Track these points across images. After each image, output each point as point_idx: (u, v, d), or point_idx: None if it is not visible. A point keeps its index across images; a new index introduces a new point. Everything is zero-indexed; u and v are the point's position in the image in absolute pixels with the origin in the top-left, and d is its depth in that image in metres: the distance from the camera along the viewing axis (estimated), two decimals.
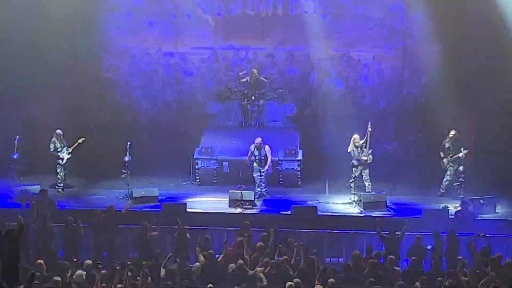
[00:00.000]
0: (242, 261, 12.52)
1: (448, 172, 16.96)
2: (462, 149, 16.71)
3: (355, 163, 16.68)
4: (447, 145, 16.98)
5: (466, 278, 12.08)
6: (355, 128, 18.72)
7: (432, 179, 17.44)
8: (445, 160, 16.96)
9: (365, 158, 16.65)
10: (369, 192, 16.60)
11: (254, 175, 16.88)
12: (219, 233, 14.61)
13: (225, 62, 20.79)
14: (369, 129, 16.58)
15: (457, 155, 16.77)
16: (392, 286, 11.84)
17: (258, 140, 16.76)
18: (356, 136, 16.74)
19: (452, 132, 16.98)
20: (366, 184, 16.80)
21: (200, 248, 13.22)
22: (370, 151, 16.67)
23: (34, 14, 18.78)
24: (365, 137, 16.65)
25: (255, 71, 19.09)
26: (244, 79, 19.12)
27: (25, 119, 19.09)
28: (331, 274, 12.13)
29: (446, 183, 17.03)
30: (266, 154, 16.75)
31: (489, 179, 17.22)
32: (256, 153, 16.76)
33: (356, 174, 16.74)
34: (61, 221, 14.35)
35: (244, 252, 12.94)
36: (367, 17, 19.95)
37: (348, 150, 16.67)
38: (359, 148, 16.68)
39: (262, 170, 16.76)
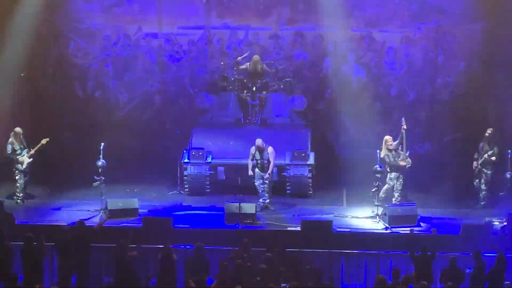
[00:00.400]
0: (240, 287, 12.64)
1: (483, 180, 17.11)
2: (495, 148, 16.90)
3: (378, 169, 16.73)
4: (481, 144, 17.14)
5: None
6: (379, 125, 18.84)
7: (472, 187, 17.51)
8: (474, 162, 17.15)
9: (403, 163, 16.73)
10: (396, 203, 16.71)
11: (256, 183, 17.00)
12: (213, 254, 14.66)
13: (219, 45, 20.87)
14: (404, 127, 16.64)
15: (484, 157, 16.96)
16: None
17: (259, 141, 16.87)
18: (388, 137, 16.80)
19: (489, 131, 17.10)
20: (396, 194, 16.89)
21: (190, 271, 13.33)
22: (407, 153, 16.75)
23: None
24: (400, 138, 16.72)
25: (257, 58, 19.13)
26: (244, 66, 19.20)
27: None
28: None
29: (483, 193, 17.17)
30: (269, 158, 16.89)
31: None
32: (258, 156, 16.88)
33: (391, 183, 16.81)
34: (21, 239, 14.43)
35: (243, 276, 13.04)
36: None
37: (381, 155, 16.72)
38: (393, 152, 16.76)
39: (265, 177, 16.89)
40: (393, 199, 16.86)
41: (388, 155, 16.76)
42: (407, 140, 16.76)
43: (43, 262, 14.43)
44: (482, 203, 17.21)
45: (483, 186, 17.15)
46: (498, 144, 17.13)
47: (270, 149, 16.93)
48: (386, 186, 16.88)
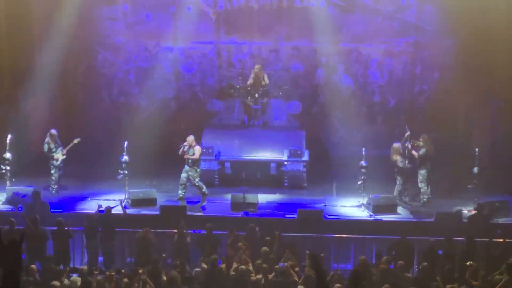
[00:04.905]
0: (243, 266, 12.59)
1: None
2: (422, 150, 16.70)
3: (364, 164, 16.48)
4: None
5: (477, 283, 12.14)
6: (364, 127, 18.83)
7: (445, 180, 17.42)
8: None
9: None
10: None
11: (182, 175, 16.64)
12: (221, 237, 14.60)
13: (227, 58, 20.79)
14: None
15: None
16: None
17: (190, 138, 16.57)
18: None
19: (425, 136, 16.77)
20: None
21: (201, 249, 13.36)
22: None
23: (28, 7, 18.83)
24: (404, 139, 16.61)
25: (259, 68, 18.98)
26: (250, 80, 18.85)
27: (17, 117, 19.08)
28: (338, 280, 12.18)
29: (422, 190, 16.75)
30: (194, 153, 16.55)
31: (505, 181, 17.21)
32: (186, 149, 16.55)
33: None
34: (53, 224, 14.41)
35: (245, 257, 12.99)
36: (377, 10, 19.90)
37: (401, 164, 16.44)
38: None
39: (190, 174, 16.55)
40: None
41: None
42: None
43: (73, 245, 14.44)
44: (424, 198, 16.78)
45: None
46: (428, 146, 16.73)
47: (197, 148, 16.58)
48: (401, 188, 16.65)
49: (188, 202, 16.46)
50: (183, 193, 16.66)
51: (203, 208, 16.36)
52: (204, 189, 16.58)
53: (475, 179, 16.52)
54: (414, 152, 16.45)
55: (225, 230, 14.50)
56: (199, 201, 16.62)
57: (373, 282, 12.27)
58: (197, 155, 16.59)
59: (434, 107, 19.25)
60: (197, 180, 16.56)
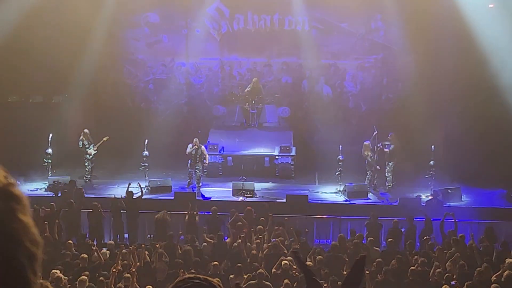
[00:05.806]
0: (241, 240, 12.59)
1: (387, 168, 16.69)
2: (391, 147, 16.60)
3: (340, 158, 16.52)
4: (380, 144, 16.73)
5: (436, 255, 12.17)
6: (341, 128, 18.88)
7: (409, 168, 17.43)
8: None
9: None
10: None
11: (190, 170, 16.59)
12: (224, 218, 14.58)
13: (229, 71, 20.80)
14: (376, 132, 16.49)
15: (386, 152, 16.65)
16: (372, 264, 11.89)
17: (196, 140, 16.46)
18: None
19: (389, 135, 16.80)
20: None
21: (209, 228, 13.29)
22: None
23: (68, 30, 18.80)
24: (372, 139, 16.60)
25: (256, 80, 19.07)
26: (247, 88, 18.96)
27: (57, 119, 19.05)
28: (319, 253, 12.18)
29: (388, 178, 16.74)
30: (202, 153, 16.47)
31: (456, 172, 17.25)
32: (194, 151, 16.52)
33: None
34: (88, 208, 14.37)
35: (245, 235, 12.97)
36: (351, 33, 19.98)
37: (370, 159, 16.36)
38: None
39: (197, 167, 16.47)
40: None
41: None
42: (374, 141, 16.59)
43: (103, 224, 14.41)
44: (389, 185, 16.77)
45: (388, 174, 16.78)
46: (396, 144, 16.77)
47: (203, 148, 16.47)
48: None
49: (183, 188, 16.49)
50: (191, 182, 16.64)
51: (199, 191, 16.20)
52: (200, 183, 16.48)
53: (431, 170, 16.59)
54: (385, 150, 16.52)
55: (228, 212, 14.51)
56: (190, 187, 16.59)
57: (348, 254, 12.27)
58: (206, 153, 16.52)
59: (398, 112, 19.31)
60: (199, 174, 16.49)
